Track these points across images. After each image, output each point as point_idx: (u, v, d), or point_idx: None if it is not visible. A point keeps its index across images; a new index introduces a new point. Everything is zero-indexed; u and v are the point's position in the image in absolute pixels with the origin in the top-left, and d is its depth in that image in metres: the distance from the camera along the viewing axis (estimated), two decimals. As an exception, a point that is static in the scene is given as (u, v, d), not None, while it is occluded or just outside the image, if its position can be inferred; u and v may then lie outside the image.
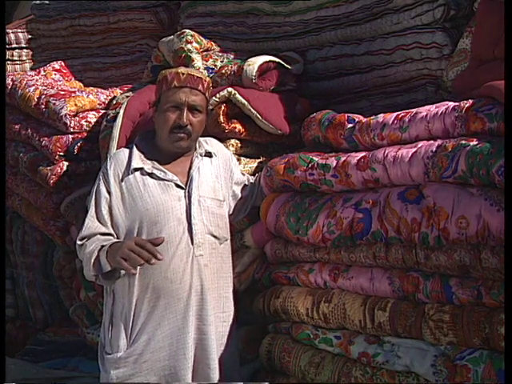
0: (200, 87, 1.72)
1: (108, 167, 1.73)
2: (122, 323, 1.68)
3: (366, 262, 1.67)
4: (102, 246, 1.62)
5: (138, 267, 1.61)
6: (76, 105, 2.54)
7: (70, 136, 2.54)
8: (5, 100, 2.56)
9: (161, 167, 1.72)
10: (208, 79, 1.77)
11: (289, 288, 1.85)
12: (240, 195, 1.89)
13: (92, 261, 1.62)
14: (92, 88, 2.79)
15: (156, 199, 1.68)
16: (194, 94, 1.71)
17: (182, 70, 1.74)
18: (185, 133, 1.70)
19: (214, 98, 2.03)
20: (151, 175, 1.71)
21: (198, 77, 1.73)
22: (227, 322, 1.75)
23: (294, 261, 1.88)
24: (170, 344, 1.66)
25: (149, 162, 1.73)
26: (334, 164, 1.72)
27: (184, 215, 1.68)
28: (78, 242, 1.69)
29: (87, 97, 2.62)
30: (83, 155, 2.54)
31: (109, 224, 1.69)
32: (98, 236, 1.66)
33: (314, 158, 1.80)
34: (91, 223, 1.69)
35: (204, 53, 2.39)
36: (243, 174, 1.95)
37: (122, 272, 1.63)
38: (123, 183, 1.70)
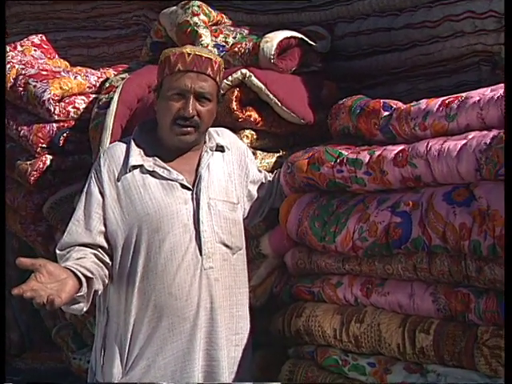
0: (209, 71, 1.74)
1: (101, 164, 1.77)
2: (117, 347, 1.72)
3: (405, 275, 1.71)
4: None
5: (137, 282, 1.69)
6: (61, 88, 2.60)
7: (55, 125, 2.59)
8: (4, 98, 2.62)
9: (164, 164, 1.75)
10: (219, 60, 1.79)
11: (313, 305, 1.90)
12: (256, 196, 1.93)
13: None
14: (80, 68, 2.84)
15: (158, 202, 1.72)
16: (202, 79, 1.73)
17: (187, 49, 1.75)
18: (191, 125, 1.73)
19: (225, 81, 2.08)
20: (152, 174, 1.74)
21: (206, 58, 1.75)
22: (240, 345, 1.79)
23: (319, 273, 1.93)
24: (173, 372, 1.70)
25: (150, 158, 1.76)
26: (367, 159, 1.76)
27: (191, 221, 1.72)
28: (58, 252, 1.72)
29: (74, 78, 2.68)
30: (70, 148, 2.59)
31: (98, 231, 1.71)
32: (77, 248, 1.69)
33: (343, 151, 1.84)
34: (75, 228, 1.72)
35: (213, 27, 2.44)
36: (260, 171, 1.99)
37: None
38: (119, 183, 1.74)
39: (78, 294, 1.58)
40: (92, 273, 1.65)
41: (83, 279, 1.60)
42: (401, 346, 1.68)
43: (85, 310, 1.65)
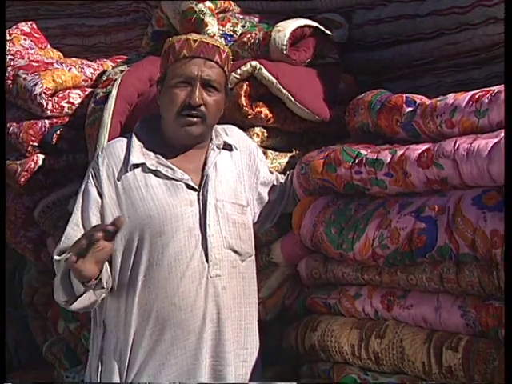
0: (217, 58, 1.78)
1: (99, 163, 1.80)
2: (116, 362, 1.75)
3: (430, 286, 1.72)
4: None
5: (137, 292, 1.71)
6: (54, 80, 2.63)
7: (47, 121, 2.63)
8: (4, 98, 2.66)
9: (168, 163, 1.78)
10: (227, 50, 1.84)
11: (329, 318, 1.92)
12: (267, 199, 1.96)
13: (60, 281, 1.67)
14: (75, 59, 2.88)
15: (161, 204, 1.74)
16: (209, 66, 1.77)
17: (193, 36, 1.81)
18: (197, 115, 1.76)
19: (233, 74, 2.10)
20: (155, 173, 1.77)
21: (214, 45, 1.79)
22: (249, 361, 1.81)
23: (335, 283, 1.95)
24: None
25: (152, 156, 1.79)
26: (388, 159, 1.77)
27: (197, 224, 1.75)
28: (56, 257, 1.74)
29: (69, 70, 2.72)
30: (64, 146, 2.62)
31: None
32: None
33: (362, 151, 1.86)
34: (73, 233, 1.75)
35: (220, 15, 2.47)
36: (271, 172, 2.02)
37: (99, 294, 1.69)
38: (119, 183, 1.77)
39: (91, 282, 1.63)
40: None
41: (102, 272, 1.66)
42: (426, 365, 1.68)
43: (82, 305, 1.69)
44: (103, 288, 1.70)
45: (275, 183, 2.00)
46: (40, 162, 2.60)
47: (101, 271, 1.66)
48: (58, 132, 2.62)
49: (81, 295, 1.67)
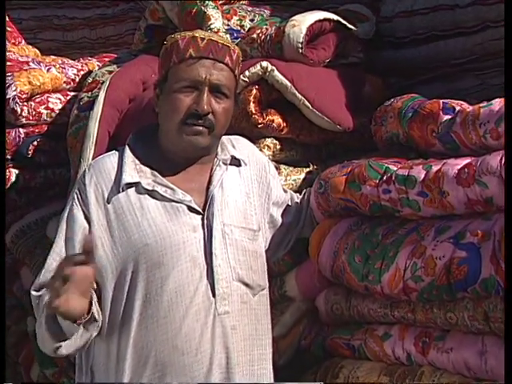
0: (227, 60, 1.80)
1: (86, 182, 1.81)
2: None
3: (474, 327, 1.73)
4: None
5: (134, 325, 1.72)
6: (30, 83, 2.69)
7: (22, 130, 2.69)
8: (4, 99, 2.71)
9: (166, 182, 1.79)
10: (238, 50, 1.86)
11: (353, 363, 1.93)
12: (280, 222, 1.98)
13: (46, 326, 1.68)
14: (54, 57, 2.95)
15: (160, 230, 1.75)
16: (219, 68, 1.78)
17: (200, 33, 1.83)
18: (204, 125, 1.77)
19: (241, 76, 2.11)
20: (152, 194, 1.78)
21: (223, 45, 1.81)
22: None
23: (360, 321, 1.97)
24: None
25: (148, 174, 1.80)
26: (422, 176, 1.80)
27: (201, 253, 1.76)
28: (34, 293, 1.75)
29: (47, 71, 2.77)
30: (42, 160, 2.68)
31: None
32: None
33: (391, 166, 1.89)
34: (55, 265, 1.72)
35: (225, 7, 2.51)
36: (285, 191, 2.03)
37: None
38: (110, 206, 1.78)
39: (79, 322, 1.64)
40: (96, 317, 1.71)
41: (94, 308, 1.68)
42: (470, 420, 1.70)
43: (68, 352, 1.70)
44: (96, 321, 1.71)
45: (290, 203, 2.02)
46: (13, 178, 2.65)
47: (90, 303, 1.67)
48: (35, 143, 2.67)
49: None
